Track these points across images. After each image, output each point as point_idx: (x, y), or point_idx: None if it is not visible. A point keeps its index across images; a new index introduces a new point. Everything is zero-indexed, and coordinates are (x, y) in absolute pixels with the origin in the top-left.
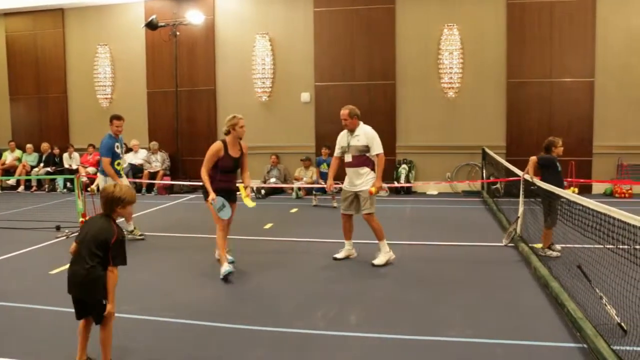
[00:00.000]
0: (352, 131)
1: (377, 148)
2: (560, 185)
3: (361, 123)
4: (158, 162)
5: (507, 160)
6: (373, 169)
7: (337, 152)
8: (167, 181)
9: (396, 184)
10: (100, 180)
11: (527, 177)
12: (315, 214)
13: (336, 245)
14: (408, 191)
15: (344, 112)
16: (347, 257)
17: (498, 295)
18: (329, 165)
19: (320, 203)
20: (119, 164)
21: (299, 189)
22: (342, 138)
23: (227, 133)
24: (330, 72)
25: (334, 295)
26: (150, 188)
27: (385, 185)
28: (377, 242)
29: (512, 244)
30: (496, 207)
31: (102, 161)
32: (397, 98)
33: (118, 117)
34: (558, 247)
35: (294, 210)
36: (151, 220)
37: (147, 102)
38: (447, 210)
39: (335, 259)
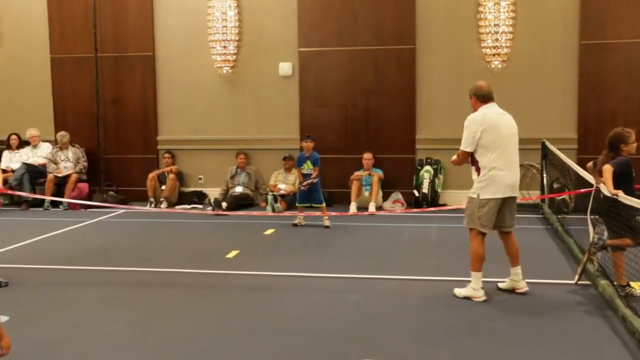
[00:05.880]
0: None
1: (462, 141)
2: (633, 196)
3: (483, 107)
4: (69, 161)
5: (580, 159)
6: (478, 170)
7: None
8: (77, 202)
9: (416, 194)
10: None
11: (604, 189)
12: (300, 236)
13: (331, 281)
14: (433, 204)
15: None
16: (511, 290)
17: (565, 357)
18: (314, 164)
19: (308, 221)
20: None
21: (276, 199)
22: None
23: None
24: (321, 32)
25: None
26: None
27: (400, 198)
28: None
29: (588, 282)
30: (562, 228)
31: None
32: (417, 70)
33: None
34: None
35: (269, 231)
36: (47, 248)
37: (51, 73)
38: None
39: (499, 288)
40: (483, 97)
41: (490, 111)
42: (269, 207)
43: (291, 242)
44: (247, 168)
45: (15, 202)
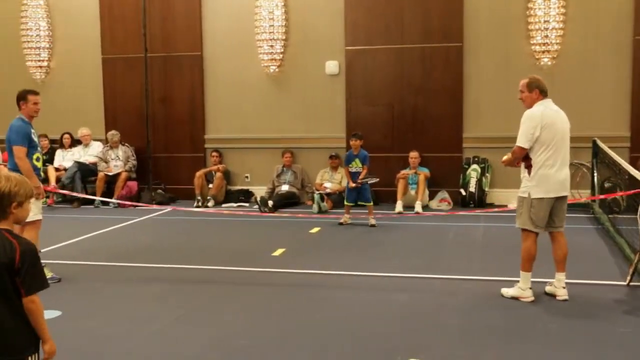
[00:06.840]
0: None
1: (518, 137)
2: None
3: (541, 102)
4: (119, 160)
5: (633, 158)
6: (529, 167)
7: None
8: (123, 200)
9: (463, 193)
10: None
11: None
12: (346, 234)
13: (377, 280)
14: (480, 203)
15: (522, 82)
16: (552, 295)
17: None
18: (362, 162)
19: (354, 220)
20: (38, 159)
21: (322, 198)
22: None
23: None
24: (367, 31)
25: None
26: (107, 197)
27: (447, 197)
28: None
29: None
30: (613, 228)
31: (14, 151)
32: (464, 67)
33: (35, 92)
34: None
35: (315, 229)
36: (97, 245)
37: (102, 73)
38: None
39: (546, 293)
40: (545, 92)
41: (547, 108)
42: (315, 206)
43: (337, 240)
44: (293, 166)
45: (68, 200)
